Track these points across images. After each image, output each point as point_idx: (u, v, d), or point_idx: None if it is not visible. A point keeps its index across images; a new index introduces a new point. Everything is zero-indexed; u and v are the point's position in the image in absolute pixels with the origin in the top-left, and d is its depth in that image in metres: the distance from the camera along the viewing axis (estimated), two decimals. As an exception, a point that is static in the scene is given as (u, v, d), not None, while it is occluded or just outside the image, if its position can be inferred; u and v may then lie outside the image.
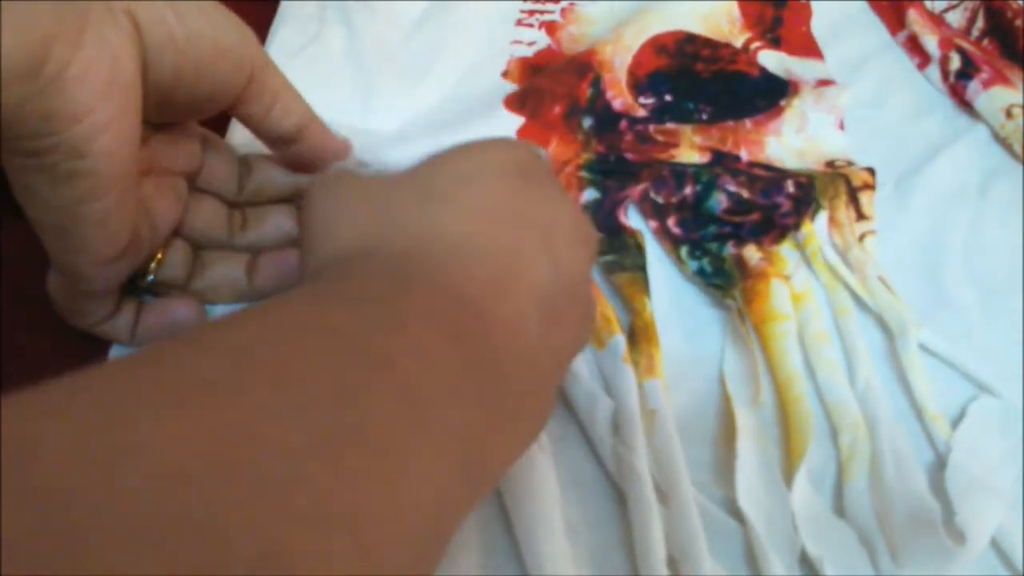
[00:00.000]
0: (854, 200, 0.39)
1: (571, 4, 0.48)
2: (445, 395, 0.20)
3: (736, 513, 0.31)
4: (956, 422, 0.34)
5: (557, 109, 0.43)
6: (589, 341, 0.35)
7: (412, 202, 0.26)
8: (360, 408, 0.18)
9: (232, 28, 0.30)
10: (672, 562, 0.29)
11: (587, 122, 0.43)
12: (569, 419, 0.33)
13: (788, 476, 0.32)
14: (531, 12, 0.48)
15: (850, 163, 0.42)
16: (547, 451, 0.31)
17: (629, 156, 0.42)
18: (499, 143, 0.28)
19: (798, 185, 0.39)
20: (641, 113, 0.44)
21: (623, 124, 0.43)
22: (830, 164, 0.42)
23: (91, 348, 0.33)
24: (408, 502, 0.18)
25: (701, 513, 0.30)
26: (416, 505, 0.18)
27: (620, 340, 0.34)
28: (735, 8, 0.48)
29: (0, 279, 0.35)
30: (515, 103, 0.44)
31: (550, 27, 0.48)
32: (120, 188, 0.28)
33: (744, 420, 0.33)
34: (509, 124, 0.43)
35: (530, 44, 0.47)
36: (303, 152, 0.35)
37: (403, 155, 0.40)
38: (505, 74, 0.46)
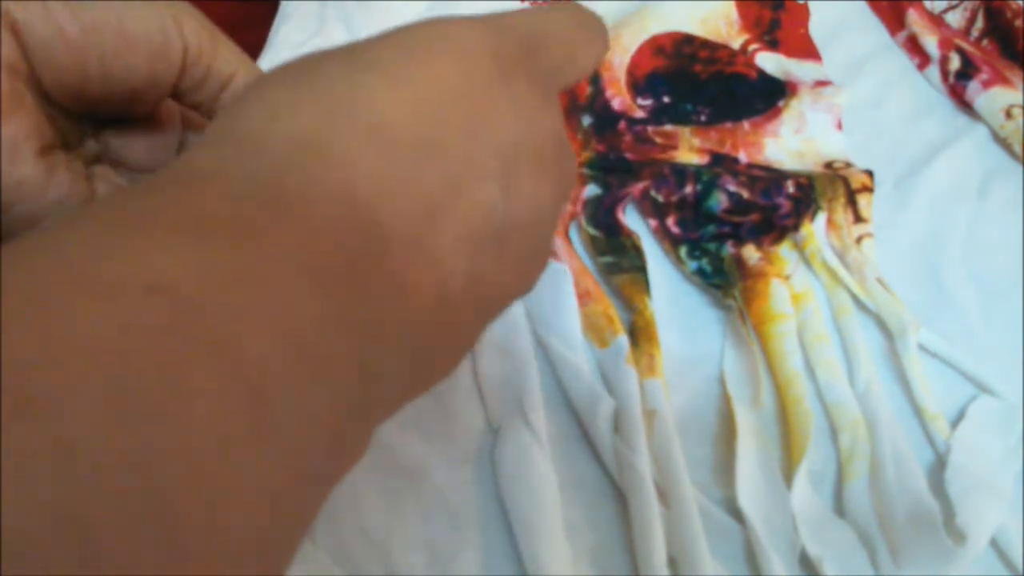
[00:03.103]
0: (852, 202, 0.39)
1: (569, 5, 0.48)
2: (305, 380, 0.16)
3: (736, 513, 0.31)
4: (956, 422, 0.34)
5: None
6: (588, 339, 0.35)
7: (339, 66, 0.20)
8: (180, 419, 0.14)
9: (148, 12, 0.26)
10: (672, 562, 0.29)
11: (586, 120, 0.43)
12: (570, 418, 0.33)
13: (788, 476, 0.32)
14: (529, 13, 0.48)
15: (848, 164, 0.42)
16: (547, 451, 0.31)
17: (629, 156, 0.41)
18: (484, 20, 0.22)
19: (798, 186, 0.39)
20: (639, 114, 0.44)
21: (622, 125, 0.43)
22: (828, 166, 0.42)
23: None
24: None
25: (701, 513, 0.30)
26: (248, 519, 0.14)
27: (623, 341, 0.34)
28: (733, 11, 0.48)
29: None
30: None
31: (549, 27, 0.47)
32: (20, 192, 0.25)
33: (744, 420, 0.32)
34: None
35: (529, 44, 0.47)
36: None
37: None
38: None
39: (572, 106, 0.43)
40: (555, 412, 0.33)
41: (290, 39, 0.44)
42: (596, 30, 0.25)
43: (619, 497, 0.31)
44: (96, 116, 0.29)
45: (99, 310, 0.14)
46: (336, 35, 0.45)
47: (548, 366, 0.34)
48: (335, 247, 0.17)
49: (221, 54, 0.28)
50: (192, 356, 0.14)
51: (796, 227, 0.38)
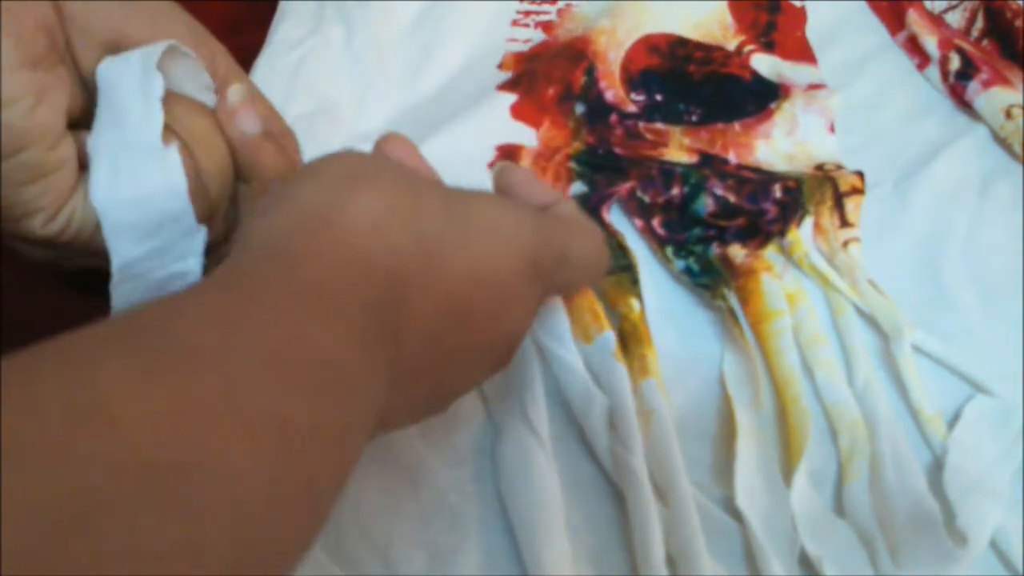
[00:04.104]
0: (839, 206, 0.39)
1: (567, 5, 0.48)
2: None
3: (735, 513, 0.31)
4: (953, 423, 0.33)
5: (551, 91, 0.43)
6: (574, 336, 0.35)
7: (438, 201, 0.25)
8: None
9: None
10: (671, 562, 0.29)
11: (579, 108, 0.43)
12: (568, 419, 0.33)
13: (787, 476, 0.32)
14: (527, 13, 0.48)
15: (839, 167, 0.41)
16: (547, 451, 0.31)
17: (618, 151, 0.41)
18: (538, 223, 0.27)
19: (786, 190, 0.39)
20: (632, 109, 0.43)
21: (613, 118, 0.43)
22: (819, 168, 0.42)
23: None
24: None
25: (700, 513, 0.30)
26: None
27: (609, 336, 0.34)
28: (727, 15, 0.48)
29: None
30: (508, 85, 0.44)
31: (546, 26, 0.48)
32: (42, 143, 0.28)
33: (743, 420, 0.32)
34: (502, 102, 0.43)
35: (525, 42, 0.47)
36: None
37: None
38: (500, 66, 0.46)
39: (566, 94, 0.43)
40: (553, 412, 0.33)
41: (289, 38, 0.45)
42: (603, 264, 0.30)
43: (618, 497, 0.31)
44: None
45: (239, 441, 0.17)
46: (334, 34, 0.45)
47: (546, 365, 0.34)
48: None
49: (222, 54, 0.32)
50: (289, 503, 0.18)
51: (782, 232, 0.38)
